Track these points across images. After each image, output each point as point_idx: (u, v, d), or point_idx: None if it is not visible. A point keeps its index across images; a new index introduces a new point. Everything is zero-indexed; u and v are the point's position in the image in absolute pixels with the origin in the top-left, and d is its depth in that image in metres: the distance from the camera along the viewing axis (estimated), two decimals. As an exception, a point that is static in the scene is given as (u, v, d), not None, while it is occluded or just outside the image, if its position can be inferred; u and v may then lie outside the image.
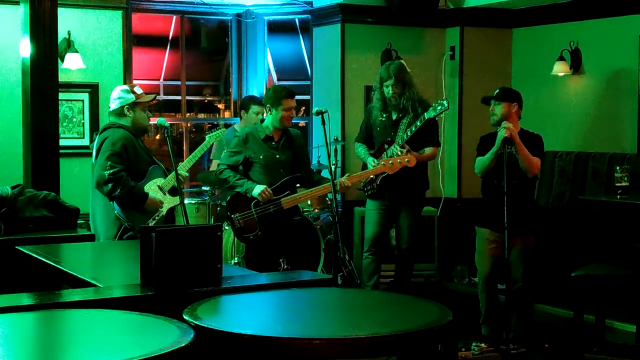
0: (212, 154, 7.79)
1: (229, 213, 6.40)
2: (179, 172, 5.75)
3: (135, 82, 7.65)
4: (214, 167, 7.64)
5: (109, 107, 5.81)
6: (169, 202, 5.74)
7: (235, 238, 6.52)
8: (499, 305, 6.38)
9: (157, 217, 5.69)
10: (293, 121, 6.67)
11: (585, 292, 5.24)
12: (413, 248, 6.82)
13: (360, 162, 7.03)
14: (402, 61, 7.15)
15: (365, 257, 6.82)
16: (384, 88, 6.64)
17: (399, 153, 6.41)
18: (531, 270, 6.37)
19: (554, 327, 6.43)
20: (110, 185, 5.46)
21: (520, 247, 6.21)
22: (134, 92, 5.73)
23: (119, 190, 5.48)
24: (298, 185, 6.60)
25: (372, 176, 6.72)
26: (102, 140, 5.62)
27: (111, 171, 5.46)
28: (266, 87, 8.80)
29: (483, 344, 6.18)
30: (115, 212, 5.58)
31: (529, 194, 6.38)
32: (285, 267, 6.27)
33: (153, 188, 5.66)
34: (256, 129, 6.49)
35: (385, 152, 6.61)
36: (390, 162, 6.33)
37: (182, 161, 6.13)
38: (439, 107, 6.44)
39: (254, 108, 7.77)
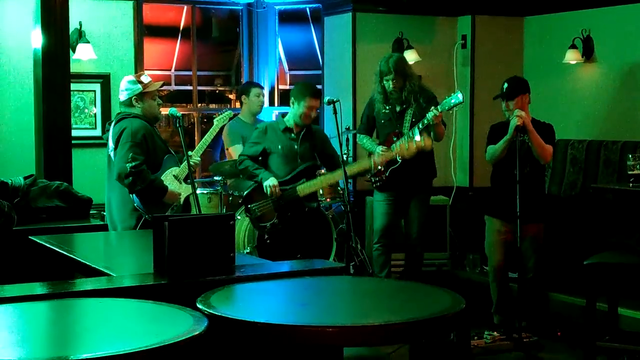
0: (226, 143, 7.77)
1: (246, 204, 6.44)
2: (192, 158, 5.80)
3: (146, 72, 7.64)
4: (232, 154, 7.64)
5: (119, 98, 5.80)
6: (185, 190, 5.74)
7: (249, 228, 6.55)
8: (511, 294, 6.38)
9: (174, 207, 5.70)
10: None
11: (597, 280, 5.23)
12: (423, 237, 6.81)
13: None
14: (400, 53, 7.04)
15: (375, 249, 6.80)
16: (385, 82, 6.62)
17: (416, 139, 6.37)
18: (543, 259, 6.37)
19: (566, 315, 6.43)
20: (131, 179, 5.44)
21: (531, 236, 6.21)
22: (140, 82, 5.69)
23: (139, 184, 5.47)
24: (322, 171, 6.63)
25: (380, 167, 6.69)
26: (120, 130, 5.57)
27: (133, 164, 5.42)
28: (277, 76, 8.81)
29: (495, 333, 6.19)
30: (135, 204, 5.57)
31: (540, 182, 6.38)
32: (298, 256, 6.29)
33: (169, 178, 5.66)
34: (276, 122, 6.60)
35: (394, 144, 6.57)
36: (406, 146, 6.31)
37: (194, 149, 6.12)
38: (452, 101, 6.38)
39: (255, 91, 7.79)
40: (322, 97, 6.62)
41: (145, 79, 5.75)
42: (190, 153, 5.94)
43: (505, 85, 6.24)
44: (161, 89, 5.93)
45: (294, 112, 6.45)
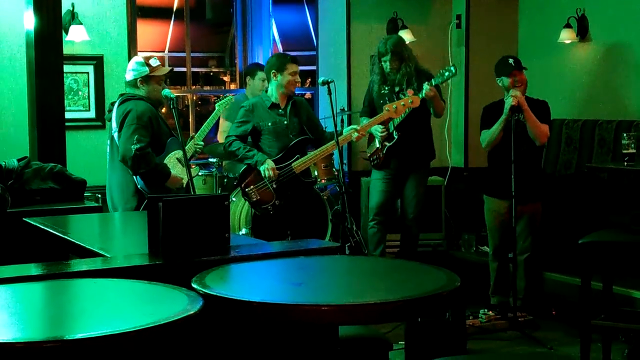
0: (222, 114, 7.71)
1: (243, 187, 6.39)
2: (196, 142, 5.89)
3: (140, 54, 7.62)
4: (222, 125, 7.58)
5: (125, 77, 5.80)
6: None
7: (244, 210, 6.53)
8: (508, 274, 6.40)
9: (175, 190, 5.71)
10: (299, 92, 6.65)
11: (592, 259, 5.23)
12: (419, 217, 6.82)
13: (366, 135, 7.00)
14: (399, 35, 7.05)
15: (371, 227, 6.81)
16: (382, 63, 6.64)
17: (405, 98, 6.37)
18: (539, 239, 6.38)
19: (561, 294, 6.44)
20: (136, 161, 5.43)
21: (529, 215, 6.22)
22: (148, 65, 5.67)
23: (143, 166, 5.46)
24: (309, 146, 6.62)
25: (377, 146, 6.70)
26: (124, 112, 5.55)
27: (138, 146, 5.41)
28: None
29: (491, 312, 6.21)
30: (139, 186, 5.57)
31: (537, 162, 6.39)
32: (288, 233, 6.29)
33: (172, 161, 5.65)
34: (261, 99, 6.49)
35: (385, 106, 6.50)
36: (394, 106, 6.31)
37: (190, 133, 6.15)
38: (446, 73, 6.43)
39: (260, 74, 7.74)
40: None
41: (153, 62, 5.72)
42: (194, 135, 6.01)
43: (511, 60, 6.24)
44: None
45: (277, 84, 6.37)
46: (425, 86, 6.38)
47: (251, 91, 7.74)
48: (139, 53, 7.55)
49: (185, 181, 5.71)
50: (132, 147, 5.41)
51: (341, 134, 6.40)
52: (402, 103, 6.30)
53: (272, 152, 6.36)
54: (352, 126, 6.48)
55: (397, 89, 6.67)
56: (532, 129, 6.12)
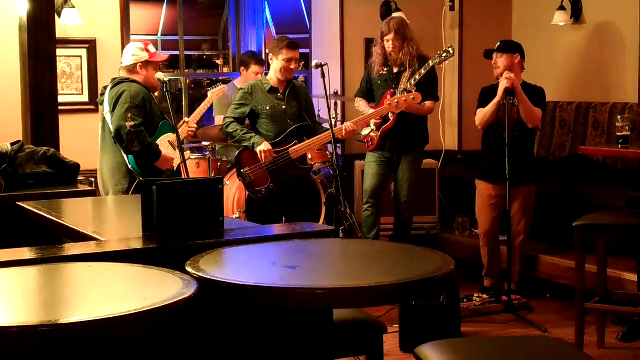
0: (215, 111, 7.75)
1: (238, 168, 6.38)
2: (190, 125, 6.01)
3: (133, 37, 7.60)
4: (218, 122, 7.60)
5: (121, 62, 5.83)
6: (180, 157, 5.76)
7: (238, 193, 6.52)
8: (501, 256, 6.41)
9: (169, 173, 5.73)
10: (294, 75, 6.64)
11: (586, 241, 5.24)
12: (412, 201, 6.82)
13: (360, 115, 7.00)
14: (402, 16, 7.09)
15: (365, 210, 6.82)
16: (385, 42, 6.64)
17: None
18: (533, 222, 6.38)
19: (555, 277, 6.45)
20: (130, 137, 5.47)
21: (522, 198, 6.23)
22: (147, 51, 5.79)
23: (136, 144, 5.49)
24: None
25: (372, 127, 6.70)
26: (118, 93, 5.61)
27: (133, 123, 5.47)
28: (265, 41, 8.76)
29: (485, 295, 6.22)
30: (130, 166, 5.59)
31: (529, 145, 6.40)
32: (283, 219, 6.30)
33: (164, 144, 5.69)
34: (261, 81, 6.49)
35: (387, 100, 6.55)
36: (395, 101, 6.33)
37: (183, 116, 6.21)
38: (444, 54, 6.44)
39: (254, 68, 7.71)
40: (299, 47, 6.52)
41: (151, 48, 5.88)
42: (187, 119, 6.05)
43: (499, 43, 6.29)
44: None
45: (274, 67, 6.39)
46: (423, 68, 6.41)
47: (243, 82, 7.71)
48: (132, 37, 7.53)
49: (176, 163, 5.74)
50: (127, 124, 5.46)
51: (337, 123, 6.42)
52: (403, 98, 6.32)
53: (269, 136, 6.36)
54: (348, 123, 6.48)
55: (396, 70, 6.66)
56: (524, 112, 6.13)
